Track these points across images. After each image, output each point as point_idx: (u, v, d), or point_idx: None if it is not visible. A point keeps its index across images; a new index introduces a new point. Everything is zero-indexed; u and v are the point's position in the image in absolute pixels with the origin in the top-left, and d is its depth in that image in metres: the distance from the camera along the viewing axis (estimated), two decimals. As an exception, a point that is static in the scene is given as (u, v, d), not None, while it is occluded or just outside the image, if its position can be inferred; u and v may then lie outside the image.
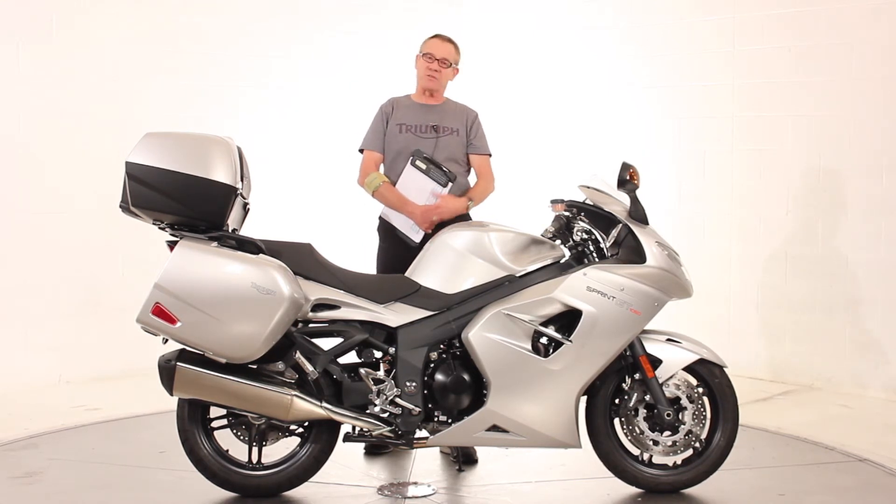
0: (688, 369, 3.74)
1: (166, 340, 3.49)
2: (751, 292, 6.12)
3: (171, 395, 3.54)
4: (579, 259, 3.76)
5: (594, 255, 3.73)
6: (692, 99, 6.34)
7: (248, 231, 3.70)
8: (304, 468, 3.67)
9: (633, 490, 3.77)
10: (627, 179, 3.71)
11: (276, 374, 3.58)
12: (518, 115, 6.90)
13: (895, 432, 4.84)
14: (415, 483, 3.91)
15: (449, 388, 3.60)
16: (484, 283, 3.66)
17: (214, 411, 3.67)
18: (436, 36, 4.45)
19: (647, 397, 3.70)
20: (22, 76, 5.63)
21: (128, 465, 4.15)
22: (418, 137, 4.32)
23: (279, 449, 3.73)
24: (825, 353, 5.80)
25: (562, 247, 3.78)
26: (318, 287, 3.59)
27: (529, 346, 3.58)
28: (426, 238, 4.09)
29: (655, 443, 3.71)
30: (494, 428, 3.58)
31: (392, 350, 3.62)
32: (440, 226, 4.13)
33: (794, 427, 4.83)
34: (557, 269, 3.71)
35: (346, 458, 4.09)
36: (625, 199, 3.70)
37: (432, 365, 3.64)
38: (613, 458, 3.74)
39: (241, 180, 3.53)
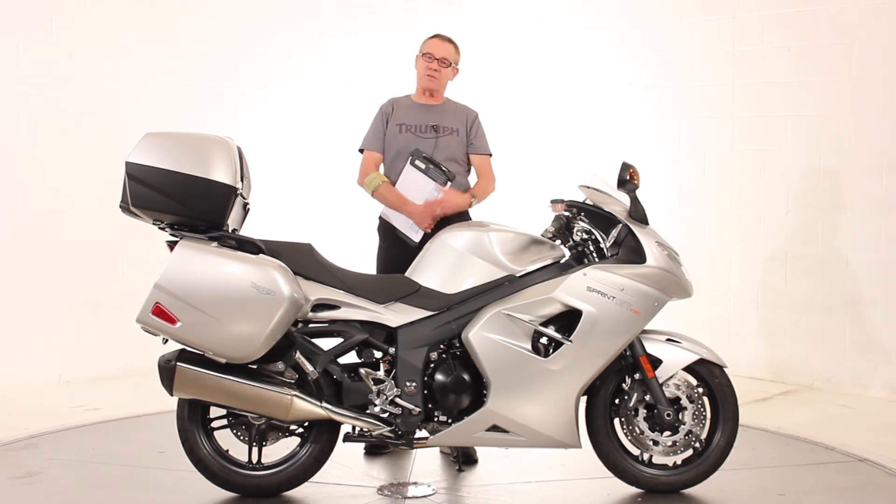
0: (688, 369, 3.74)
1: (166, 340, 3.49)
2: (751, 292, 6.12)
3: (171, 395, 3.54)
4: (579, 259, 3.76)
5: (594, 255, 3.73)
6: (692, 99, 6.34)
7: (248, 231, 3.70)
8: (304, 468, 3.67)
9: (633, 490, 3.77)
10: (627, 179, 3.71)
11: (276, 374, 3.58)
12: (518, 115, 6.90)
13: (895, 432, 4.84)
14: (415, 483, 3.91)
15: (449, 388, 3.60)
16: (484, 283, 3.66)
17: (214, 411, 3.67)
18: (435, 36, 4.45)
19: (647, 397, 3.70)
20: (22, 76, 5.63)
21: (128, 465, 4.15)
22: (418, 137, 4.32)
23: (279, 449, 3.73)
24: (825, 353, 5.80)
25: (562, 247, 3.78)
26: (318, 287, 3.59)
27: (529, 346, 3.58)
28: (426, 238, 4.09)
29: (655, 443, 3.71)
30: (494, 428, 3.58)
31: (392, 350, 3.62)
32: (440, 225, 4.13)
33: (794, 427, 4.83)
34: (557, 269, 3.71)
35: (346, 458, 4.09)
36: (625, 199, 3.70)
37: (432, 365, 3.64)
38: (613, 458, 3.74)
39: (241, 180, 3.53)
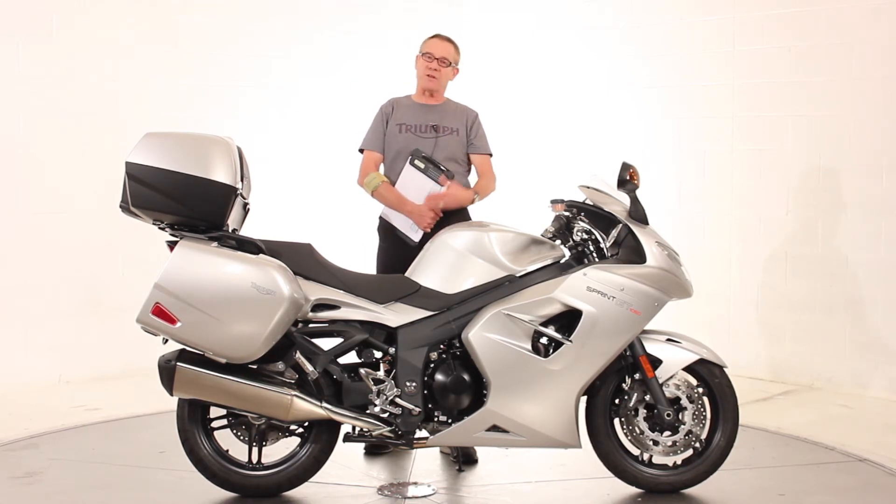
0: (688, 369, 3.74)
1: (166, 340, 3.49)
2: (751, 292, 6.12)
3: (171, 395, 3.54)
4: (579, 259, 3.76)
5: (594, 255, 3.73)
6: (692, 99, 6.34)
7: (248, 231, 3.70)
8: (304, 468, 3.67)
9: (633, 490, 3.77)
10: (627, 179, 3.71)
11: (276, 374, 3.58)
12: (518, 115, 6.90)
13: (895, 432, 4.84)
14: (415, 483, 3.91)
15: (449, 388, 3.60)
16: (484, 283, 3.66)
17: (214, 411, 3.67)
18: (435, 36, 4.46)
19: (647, 397, 3.70)
20: (22, 76, 5.63)
21: (128, 465, 4.15)
22: (418, 137, 4.32)
23: (279, 449, 3.73)
24: (825, 353, 5.80)
25: (562, 247, 3.78)
26: (318, 287, 3.59)
27: (529, 346, 3.58)
28: (426, 238, 4.09)
29: (655, 443, 3.71)
30: (494, 428, 3.58)
31: (392, 350, 3.62)
32: (440, 225, 4.13)
33: (794, 427, 4.83)
34: (557, 269, 3.71)
35: (346, 458, 4.09)
36: (625, 199, 3.70)
37: (432, 365, 3.64)
38: (613, 458, 3.74)
39: (241, 180, 3.53)
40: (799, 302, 5.90)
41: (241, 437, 3.68)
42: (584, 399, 3.71)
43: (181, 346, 3.52)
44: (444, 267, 3.69)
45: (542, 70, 6.98)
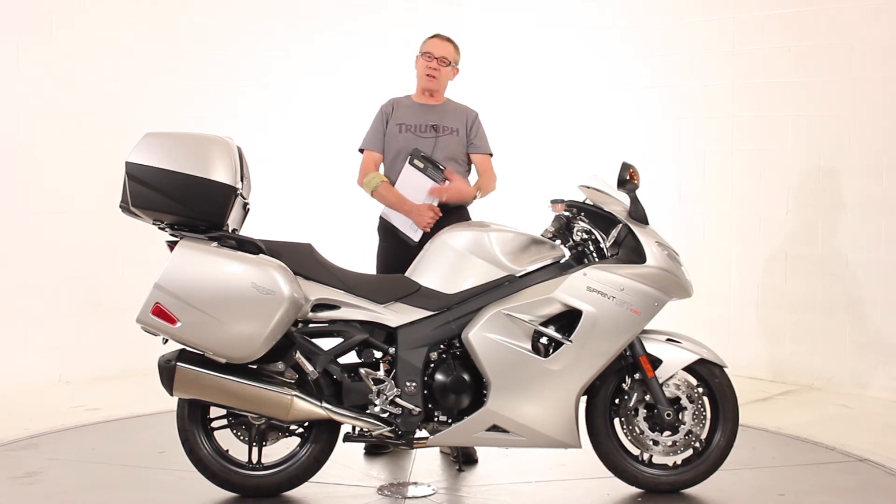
0: (688, 369, 3.74)
1: (166, 340, 3.49)
2: (751, 292, 6.12)
3: (171, 395, 3.54)
4: (579, 259, 3.76)
5: (594, 255, 3.73)
6: (692, 99, 6.34)
7: (248, 231, 3.70)
8: (304, 468, 3.67)
9: (633, 490, 3.77)
10: (627, 179, 3.71)
11: (276, 374, 3.58)
12: (518, 115, 6.90)
13: (895, 432, 4.84)
14: (415, 483, 3.91)
15: (449, 388, 3.60)
16: (484, 283, 3.66)
17: (214, 411, 3.67)
18: (435, 35, 4.46)
19: (647, 397, 3.70)
20: (22, 76, 5.63)
21: (128, 465, 4.15)
22: (418, 137, 4.32)
23: (279, 449, 3.73)
24: (825, 353, 5.80)
25: (562, 247, 3.78)
26: (318, 287, 3.59)
27: (529, 346, 3.58)
28: (426, 238, 4.09)
29: (655, 443, 3.71)
30: (494, 428, 3.58)
31: (392, 350, 3.62)
32: (439, 226, 4.13)
33: (794, 427, 4.83)
34: (557, 269, 3.71)
35: (346, 458, 4.09)
36: (625, 199, 3.70)
37: (432, 365, 3.64)
38: (613, 458, 3.74)
39: (241, 180, 3.53)
40: (799, 302, 5.90)
41: (241, 437, 3.68)
42: (584, 399, 3.71)
43: (181, 346, 3.52)
44: (444, 267, 3.69)
45: (542, 70, 6.98)
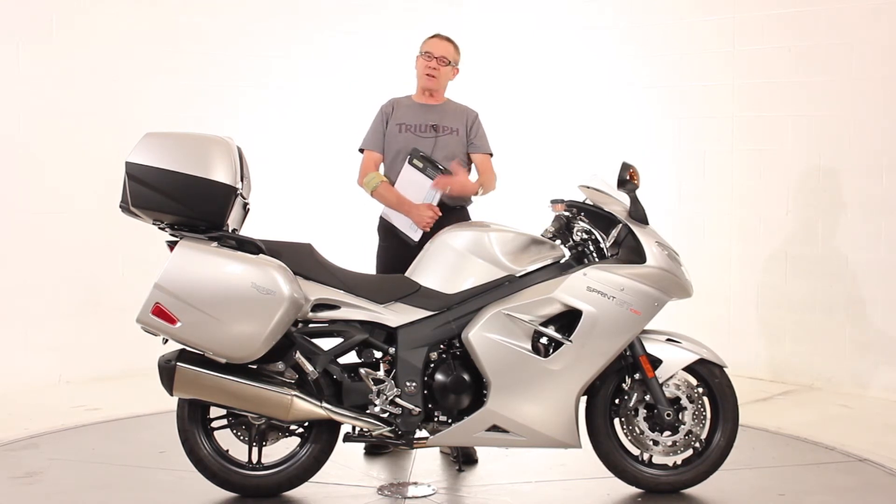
0: (688, 369, 3.74)
1: (166, 340, 3.49)
2: (751, 292, 6.12)
3: (171, 395, 3.54)
4: (579, 259, 3.76)
5: (594, 255, 3.73)
6: (692, 99, 6.34)
7: (248, 231, 3.70)
8: (304, 468, 3.67)
9: (633, 490, 3.77)
10: (627, 179, 3.71)
11: (276, 374, 3.58)
12: (518, 115, 6.90)
13: (895, 432, 4.84)
14: (415, 483, 3.91)
15: (449, 388, 3.60)
16: (484, 283, 3.66)
17: (214, 411, 3.67)
18: (435, 35, 4.46)
19: (647, 397, 3.70)
20: (22, 76, 5.63)
21: (128, 465, 4.15)
22: (418, 137, 4.32)
23: (279, 449, 3.73)
24: (825, 353, 5.80)
25: (562, 247, 3.78)
26: (318, 287, 3.59)
27: (529, 346, 3.58)
28: (426, 237, 4.09)
29: (655, 443, 3.71)
30: (494, 428, 3.58)
31: (392, 350, 3.62)
32: (439, 226, 4.12)
33: (794, 427, 4.83)
34: (557, 269, 3.71)
35: (346, 458, 4.09)
36: (625, 199, 3.70)
37: (432, 365, 3.64)
38: (613, 458, 3.74)
39: (241, 180, 3.53)
40: (799, 302, 5.90)
41: (241, 437, 3.68)
42: (584, 399, 3.71)
43: (181, 346, 3.52)
44: (444, 267, 3.69)
45: (542, 70, 6.97)
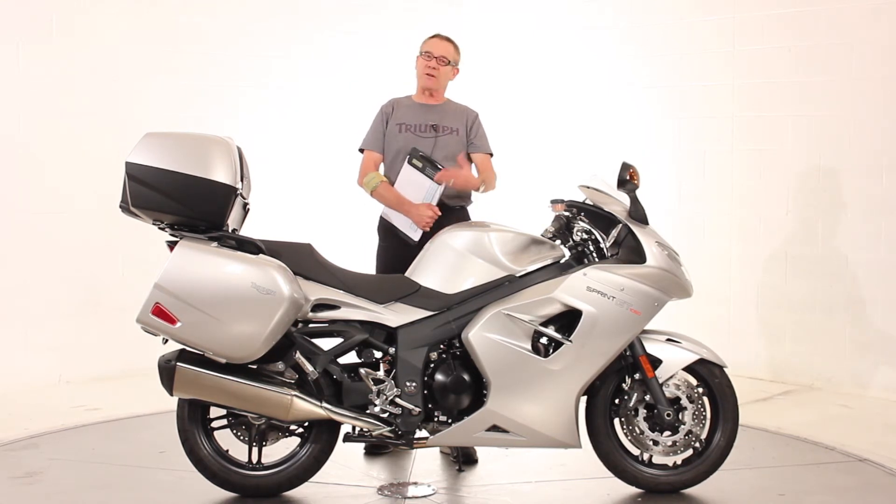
0: (688, 369, 3.74)
1: (166, 340, 3.49)
2: (751, 292, 6.12)
3: (171, 395, 3.54)
4: (579, 259, 3.76)
5: (594, 255, 3.73)
6: (692, 99, 6.34)
7: (248, 231, 3.70)
8: (304, 468, 3.67)
9: (633, 490, 3.77)
10: (627, 179, 3.71)
11: (276, 374, 3.58)
12: (518, 115, 6.90)
13: (895, 432, 4.84)
14: (415, 483, 3.91)
15: (449, 388, 3.60)
16: (484, 283, 3.66)
17: (214, 411, 3.67)
18: (435, 35, 4.46)
19: (647, 397, 3.70)
20: (22, 76, 5.63)
21: (128, 465, 4.15)
22: (418, 137, 4.32)
23: (279, 449, 3.73)
24: (825, 353, 5.80)
25: (562, 247, 3.78)
26: (318, 287, 3.59)
27: (529, 346, 3.58)
28: (426, 237, 4.09)
29: (655, 443, 3.71)
30: (494, 428, 3.58)
31: (392, 350, 3.62)
32: (439, 226, 4.12)
33: (794, 427, 4.83)
34: (557, 269, 3.71)
35: (346, 458, 4.09)
36: (625, 199, 3.70)
37: (432, 365, 3.64)
38: (613, 458, 3.74)
39: (241, 180, 3.53)
40: (799, 302, 5.90)
41: (241, 437, 3.68)
42: (584, 399, 3.71)
43: (181, 346, 3.52)
44: (444, 267, 3.69)
45: (542, 70, 6.98)
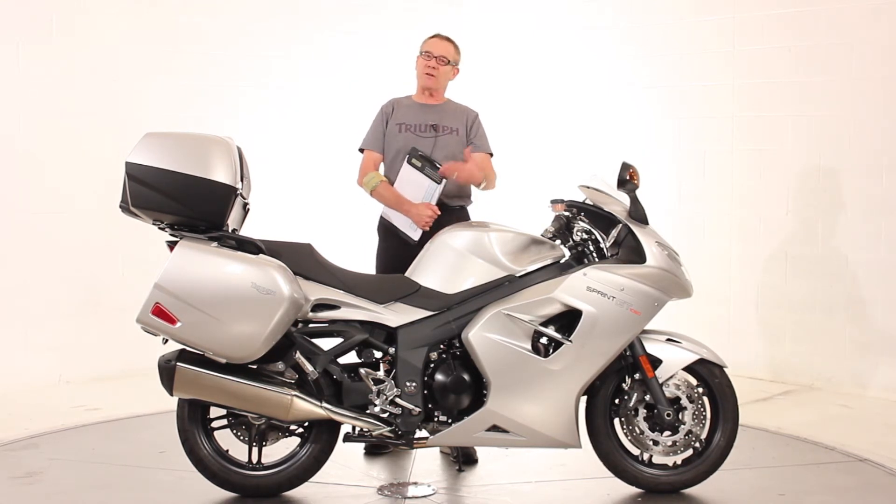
0: (688, 369, 3.74)
1: (166, 340, 3.49)
2: (751, 292, 6.12)
3: (171, 395, 3.54)
4: (579, 259, 3.76)
5: (594, 255, 3.73)
6: (692, 99, 6.34)
7: (248, 231, 3.70)
8: (304, 468, 3.67)
9: (633, 490, 3.77)
10: (627, 179, 3.71)
11: (276, 374, 3.58)
12: (518, 115, 6.90)
13: (895, 432, 4.84)
14: (415, 483, 3.91)
15: (449, 388, 3.60)
16: (484, 283, 3.66)
17: (214, 411, 3.67)
18: (435, 35, 4.46)
19: (647, 397, 3.70)
20: (22, 76, 5.63)
21: (128, 465, 4.15)
22: (418, 137, 4.32)
23: (279, 449, 3.73)
24: (825, 353, 5.80)
25: (562, 247, 3.78)
26: (318, 287, 3.59)
27: (529, 346, 3.58)
28: (426, 237, 4.09)
29: (655, 443, 3.71)
30: (494, 428, 3.58)
31: (392, 350, 3.62)
32: (439, 226, 4.12)
33: (794, 427, 4.83)
34: (557, 269, 3.71)
35: (346, 458, 4.09)
36: (625, 199, 3.70)
37: (432, 365, 3.64)
38: (613, 458, 3.74)
39: (241, 180, 3.53)
40: (799, 302, 5.90)
41: (241, 437, 3.68)
42: (584, 399, 3.71)
43: (181, 346, 3.52)
44: (444, 267, 3.69)
45: (542, 70, 6.98)
